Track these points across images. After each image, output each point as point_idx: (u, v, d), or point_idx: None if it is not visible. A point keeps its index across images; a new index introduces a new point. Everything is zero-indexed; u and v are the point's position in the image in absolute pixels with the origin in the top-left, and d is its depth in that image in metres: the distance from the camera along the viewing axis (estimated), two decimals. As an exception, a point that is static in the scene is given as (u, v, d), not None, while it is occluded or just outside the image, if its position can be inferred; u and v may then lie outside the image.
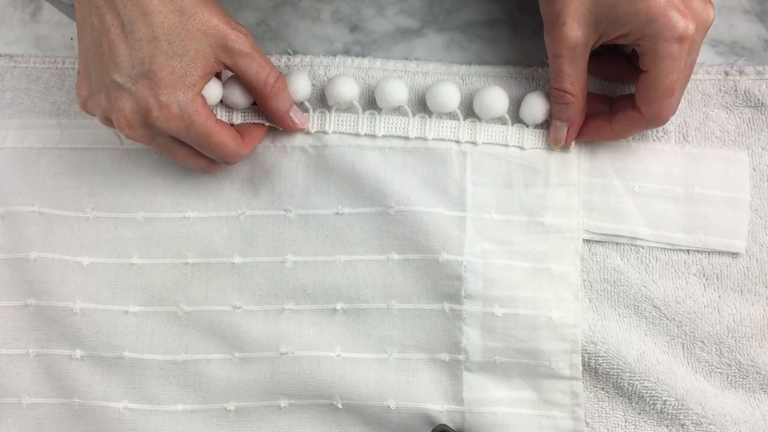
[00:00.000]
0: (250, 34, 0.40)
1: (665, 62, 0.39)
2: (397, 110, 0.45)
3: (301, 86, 0.44)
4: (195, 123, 0.39)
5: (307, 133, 0.45)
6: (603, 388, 0.45)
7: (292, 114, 0.43)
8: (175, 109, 0.38)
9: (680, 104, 0.44)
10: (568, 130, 0.44)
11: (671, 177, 0.46)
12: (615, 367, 0.44)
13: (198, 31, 0.38)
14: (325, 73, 0.46)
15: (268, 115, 0.43)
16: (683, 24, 0.38)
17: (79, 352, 0.45)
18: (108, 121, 0.40)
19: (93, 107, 0.40)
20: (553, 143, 0.45)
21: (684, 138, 0.46)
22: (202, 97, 0.39)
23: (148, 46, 0.37)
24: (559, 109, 0.43)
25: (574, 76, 0.42)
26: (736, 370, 0.45)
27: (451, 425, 0.44)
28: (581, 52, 0.41)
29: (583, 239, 0.45)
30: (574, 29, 0.40)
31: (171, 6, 0.37)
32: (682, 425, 0.44)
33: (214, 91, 0.41)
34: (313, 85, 0.46)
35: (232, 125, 0.43)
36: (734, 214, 0.45)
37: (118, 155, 0.46)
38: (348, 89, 0.44)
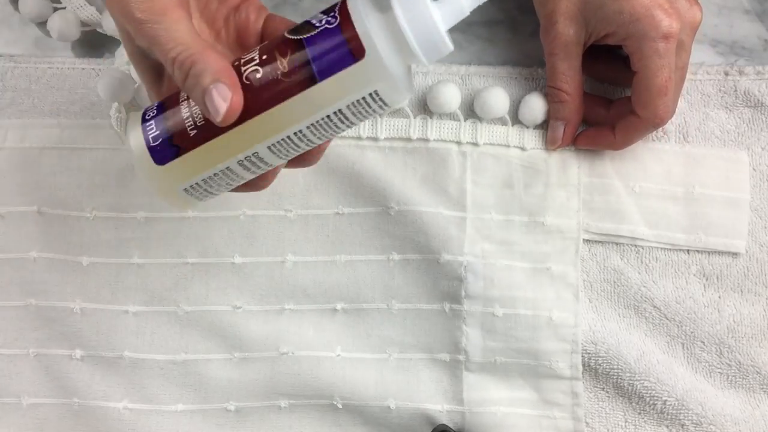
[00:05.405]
0: None
1: (652, 60, 0.39)
2: (398, 112, 0.45)
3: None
4: None
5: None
6: (603, 388, 0.45)
7: None
8: None
9: (680, 104, 0.44)
10: (564, 130, 0.44)
11: (671, 177, 0.45)
12: (615, 367, 0.44)
13: None
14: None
15: None
16: (667, 23, 0.38)
17: (79, 352, 0.45)
18: None
19: None
20: (550, 143, 0.45)
21: (684, 138, 0.46)
22: None
23: None
24: (555, 108, 0.43)
25: (568, 74, 0.42)
26: (736, 370, 0.45)
27: (451, 425, 0.44)
28: (574, 49, 0.41)
29: (583, 239, 0.45)
30: (566, 27, 0.41)
31: None
32: (682, 425, 0.44)
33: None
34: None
35: None
36: (734, 214, 0.45)
37: (118, 155, 0.46)
38: None
